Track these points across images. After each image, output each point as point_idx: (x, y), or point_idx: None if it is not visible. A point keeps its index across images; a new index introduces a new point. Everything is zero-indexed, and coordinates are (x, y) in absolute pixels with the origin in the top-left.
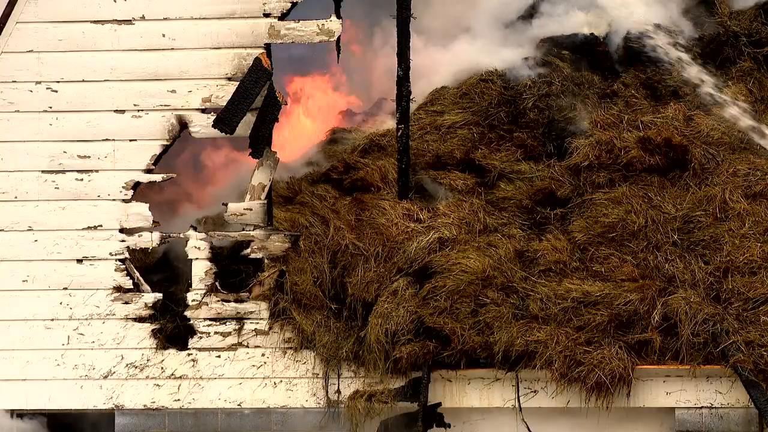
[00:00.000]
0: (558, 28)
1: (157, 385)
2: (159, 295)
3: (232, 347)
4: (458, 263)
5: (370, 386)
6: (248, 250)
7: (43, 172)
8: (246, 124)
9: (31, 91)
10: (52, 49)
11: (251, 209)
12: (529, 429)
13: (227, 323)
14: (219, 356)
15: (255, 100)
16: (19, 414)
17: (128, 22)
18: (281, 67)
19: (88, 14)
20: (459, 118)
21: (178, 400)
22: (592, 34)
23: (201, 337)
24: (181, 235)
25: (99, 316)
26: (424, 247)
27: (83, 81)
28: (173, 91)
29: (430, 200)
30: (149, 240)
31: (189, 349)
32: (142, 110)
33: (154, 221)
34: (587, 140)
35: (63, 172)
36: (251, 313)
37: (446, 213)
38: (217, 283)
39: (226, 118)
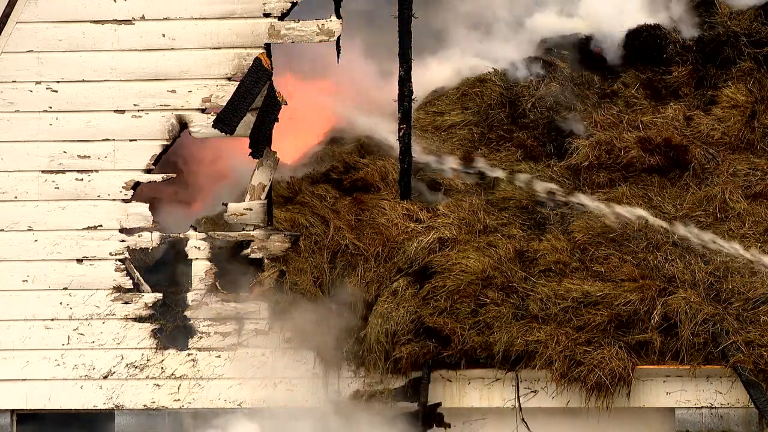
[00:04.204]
0: (557, 28)
1: (157, 385)
2: (159, 295)
3: (232, 347)
4: (458, 263)
5: (370, 386)
6: (248, 250)
7: (43, 172)
8: (246, 124)
9: (31, 91)
10: (52, 49)
11: (251, 209)
12: (528, 429)
13: (227, 323)
14: (219, 356)
15: (255, 100)
16: None
17: (128, 22)
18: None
19: (88, 14)
20: (459, 119)
21: (178, 400)
22: (591, 34)
23: (201, 337)
24: (181, 235)
25: (99, 316)
26: (424, 247)
27: (83, 81)
28: (173, 91)
29: (429, 200)
30: (149, 240)
31: (189, 349)
32: (142, 110)
33: (154, 221)
34: (587, 140)
35: (63, 172)
36: (251, 313)
37: (446, 213)
38: (217, 283)
39: (226, 118)
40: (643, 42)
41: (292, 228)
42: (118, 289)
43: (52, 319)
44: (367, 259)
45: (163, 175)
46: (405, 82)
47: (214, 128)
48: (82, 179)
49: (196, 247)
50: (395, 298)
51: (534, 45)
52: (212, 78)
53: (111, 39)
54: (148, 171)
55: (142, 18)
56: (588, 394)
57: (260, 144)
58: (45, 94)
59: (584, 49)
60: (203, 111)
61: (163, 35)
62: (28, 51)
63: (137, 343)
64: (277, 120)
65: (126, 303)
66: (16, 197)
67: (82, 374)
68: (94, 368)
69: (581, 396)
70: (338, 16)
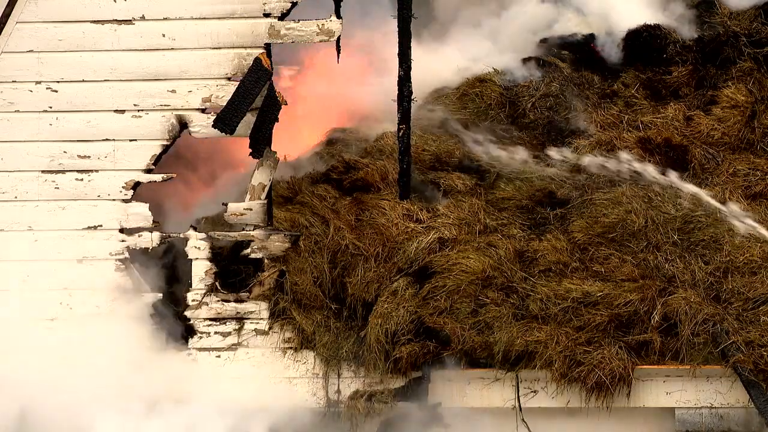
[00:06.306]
0: (557, 28)
1: None
2: (159, 295)
3: (232, 347)
4: (458, 263)
5: (370, 386)
6: (248, 250)
7: (43, 172)
8: (246, 124)
9: (31, 91)
10: (52, 49)
11: (251, 209)
12: (529, 429)
13: (227, 323)
14: (219, 356)
15: (255, 100)
16: None
17: (128, 22)
18: None
19: (88, 14)
20: (459, 119)
21: None
22: (591, 34)
23: (201, 337)
24: (181, 235)
25: (99, 316)
26: (424, 248)
27: (83, 81)
28: (173, 91)
29: (429, 200)
30: (149, 240)
31: (189, 349)
32: (142, 110)
33: (154, 221)
34: (587, 140)
35: (63, 172)
36: (251, 313)
37: (446, 213)
38: (217, 283)
39: (226, 118)
40: (643, 42)
41: (292, 228)
42: (118, 289)
43: (52, 319)
44: (367, 259)
45: (163, 175)
46: (404, 82)
47: (214, 128)
48: (82, 179)
49: (196, 247)
50: (395, 298)
51: (534, 45)
52: (212, 78)
53: (111, 39)
54: (148, 171)
55: (142, 18)
56: (588, 394)
57: (260, 144)
58: (45, 94)
59: (584, 49)
60: (203, 111)
61: (163, 35)
62: (28, 51)
63: (137, 343)
64: (277, 120)
65: (126, 303)
66: (16, 197)
67: None
68: None
69: (581, 396)
70: (338, 16)
